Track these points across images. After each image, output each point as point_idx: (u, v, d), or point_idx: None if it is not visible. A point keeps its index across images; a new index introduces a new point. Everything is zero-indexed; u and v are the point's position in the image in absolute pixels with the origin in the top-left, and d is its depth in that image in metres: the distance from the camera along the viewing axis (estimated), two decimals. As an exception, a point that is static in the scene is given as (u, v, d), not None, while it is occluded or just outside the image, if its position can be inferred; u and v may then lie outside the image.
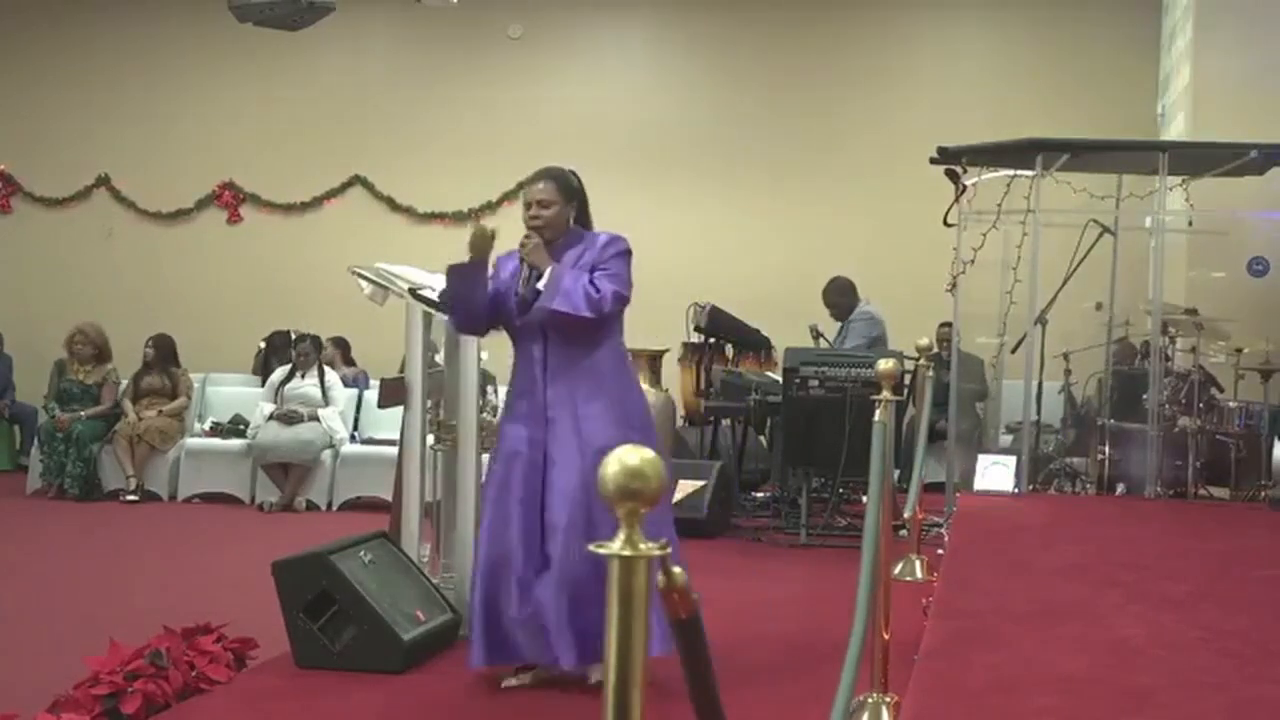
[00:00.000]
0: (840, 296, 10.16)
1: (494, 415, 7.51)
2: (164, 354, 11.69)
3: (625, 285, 5.02)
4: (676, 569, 2.07)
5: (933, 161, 9.23)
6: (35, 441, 11.62)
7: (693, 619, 2.10)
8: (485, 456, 6.03)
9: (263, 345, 12.34)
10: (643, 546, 2.05)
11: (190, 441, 11.39)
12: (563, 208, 5.12)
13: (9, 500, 11.20)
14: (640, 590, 1.99)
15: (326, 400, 11.25)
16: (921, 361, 7.24)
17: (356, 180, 13.26)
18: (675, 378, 11.03)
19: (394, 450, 8.87)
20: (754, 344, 10.56)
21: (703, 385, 10.17)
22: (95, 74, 13.53)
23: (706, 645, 2.15)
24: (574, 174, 5.23)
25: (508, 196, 12.90)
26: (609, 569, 2.02)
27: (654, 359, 10.79)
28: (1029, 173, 9.00)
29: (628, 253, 5.09)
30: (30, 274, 13.55)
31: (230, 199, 13.47)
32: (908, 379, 8.33)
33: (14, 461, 12.67)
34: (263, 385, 11.51)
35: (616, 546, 2.02)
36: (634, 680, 1.95)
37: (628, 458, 2.08)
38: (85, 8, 13.50)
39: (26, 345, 12.90)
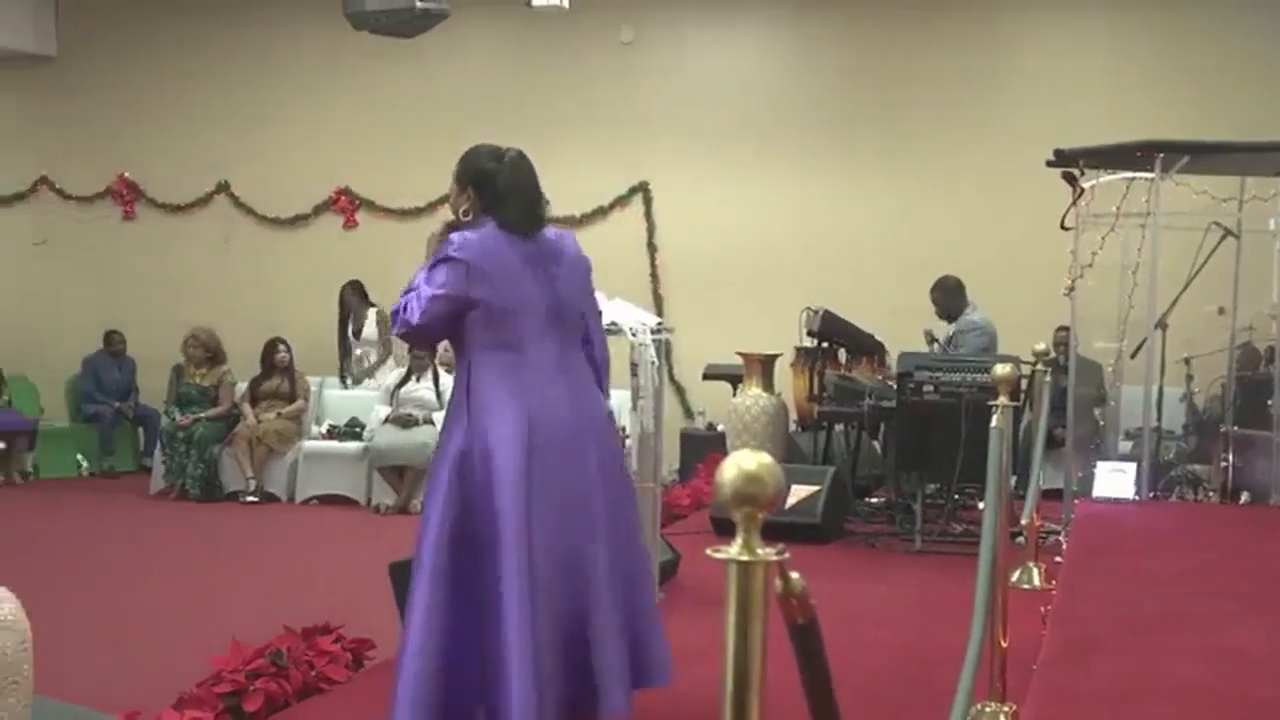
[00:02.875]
0: (947, 297, 10.07)
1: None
2: (280, 358, 11.89)
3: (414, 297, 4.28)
4: (794, 574, 2.07)
5: (1050, 164, 9.11)
6: (158, 443, 11.87)
7: (810, 624, 2.09)
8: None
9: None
10: (760, 552, 2.04)
11: (308, 444, 11.56)
12: (457, 195, 4.51)
13: (133, 500, 11.44)
14: (758, 595, 1.98)
15: (441, 404, 11.36)
16: (1038, 366, 7.15)
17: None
18: (788, 382, 10.99)
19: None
20: (867, 348, 10.50)
21: (815, 390, 10.12)
22: (216, 83, 13.78)
23: (824, 651, 2.14)
24: (483, 150, 4.58)
25: (620, 200, 12.94)
26: (727, 574, 2.02)
27: (766, 364, 10.76)
28: (1148, 175, 8.85)
29: (445, 258, 4.28)
30: (152, 279, 13.83)
31: (345, 204, 13.65)
32: (1024, 384, 8.23)
33: (138, 463, 12.94)
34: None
35: (734, 551, 2.02)
36: (752, 687, 1.95)
37: (744, 462, 2.07)
38: (205, 20, 13.75)
39: (149, 349, 13.16)
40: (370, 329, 12.63)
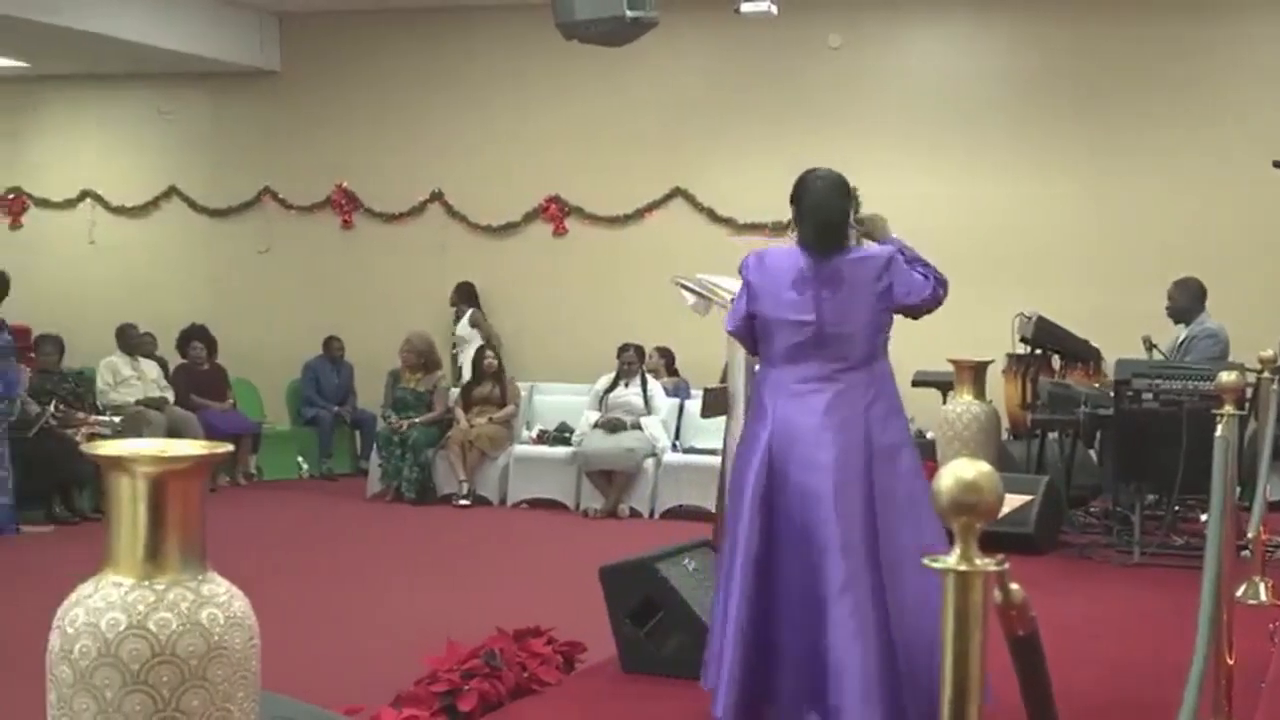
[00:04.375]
0: (1187, 298, 9.76)
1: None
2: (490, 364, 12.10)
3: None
4: (1014, 585, 2.03)
5: (1276, 164, 8.81)
6: (374, 447, 12.18)
7: (1031, 636, 2.06)
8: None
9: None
10: (979, 562, 2.01)
11: (519, 448, 11.74)
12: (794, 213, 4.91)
13: (351, 502, 11.75)
14: (977, 606, 1.95)
15: (649, 409, 11.46)
16: (1265, 374, 6.91)
17: (677, 192, 13.42)
18: (1000, 389, 10.79)
19: (716, 460, 8.94)
20: (1082, 355, 10.26)
21: (1029, 397, 9.93)
22: (429, 95, 14.07)
23: (1045, 664, 2.10)
24: (806, 173, 4.90)
25: (828, 206, 12.85)
26: (944, 584, 1.99)
27: (978, 370, 10.58)
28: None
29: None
30: (369, 286, 14.18)
31: (556, 212, 13.81)
32: (1249, 392, 7.95)
33: (355, 465, 13.28)
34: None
35: (952, 561, 1.99)
36: (971, 698, 1.92)
37: (962, 471, 2.04)
38: (419, 34, 14.05)
39: (366, 354, 13.50)
40: (464, 327, 13.29)
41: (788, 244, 4.81)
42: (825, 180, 4.75)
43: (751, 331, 4.77)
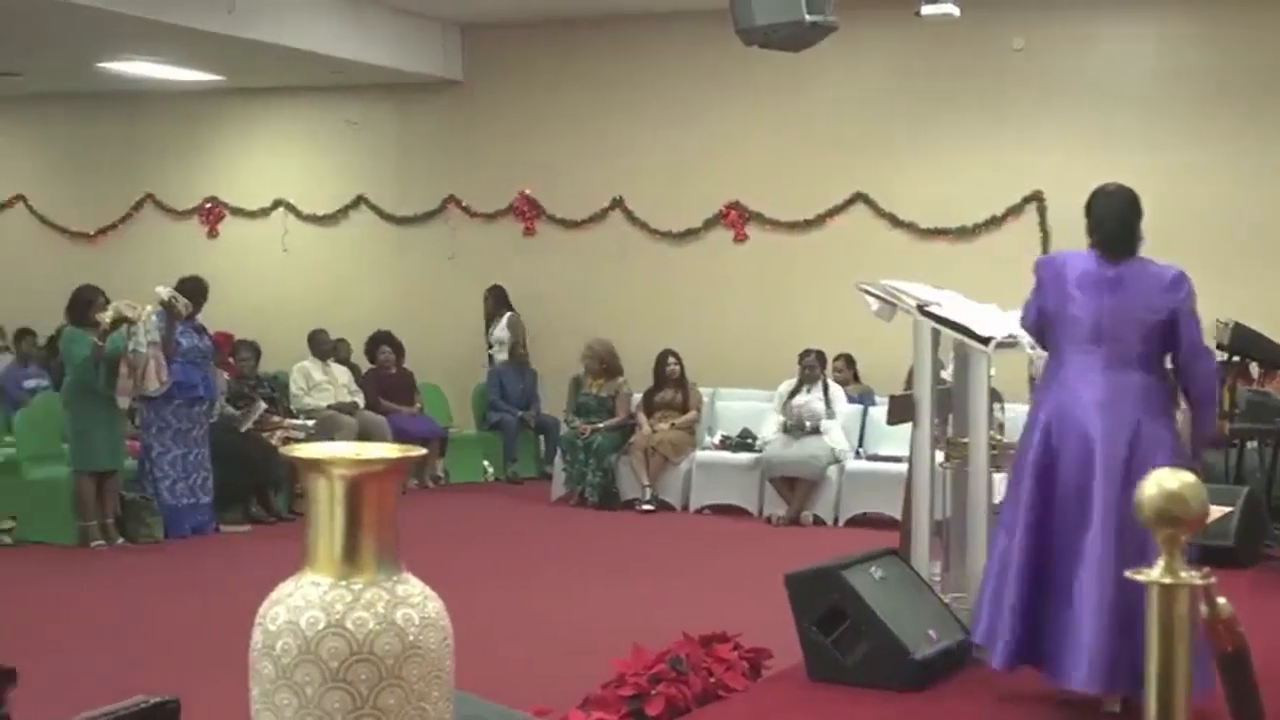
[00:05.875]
0: None
1: (1001, 433, 7.38)
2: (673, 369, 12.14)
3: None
4: (1221, 600, 1.98)
5: None
6: (558, 451, 12.31)
7: (1240, 652, 2.00)
8: (998, 475, 5.94)
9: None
10: (1184, 574, 1.97)
11: (701, 454, 11.76)
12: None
13: (535, 506, 11.89)
14: (1182, 619, 1.91)
15: (831, 413, 11.39)
16: None
17: (859, 197, 13.32)
18: (1193, 396, 10.49)
19: (900, 467, 8.88)
20: (1280, 361, 9.93)
21: (1227, 406, 9.64)
22: (610, 101, 14.16)
23: (1255, 681, 2.04)
24: (1098, 186, 5.39)
25: (1012, 210, 12.65)
26: (1148, 597, 1.95)
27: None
28: None
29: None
30: (551, 292, 14.31)
31: (736, 218, 13.80)
32: None
33: (539, 470, 13.43)
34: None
35: (1156, 574, 1.95)
36: (1177, 714, 1.88)
37: (1166, 481, 2.00)
38: (600, 42, 14.16)
39: (549, 360, 13.64)
40: (501, 330, 13.57)
41: (1082, 249, 5.25)
42: (1117, 193, 5.25)
43: (1039, 326, 5.30)
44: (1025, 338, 6.06)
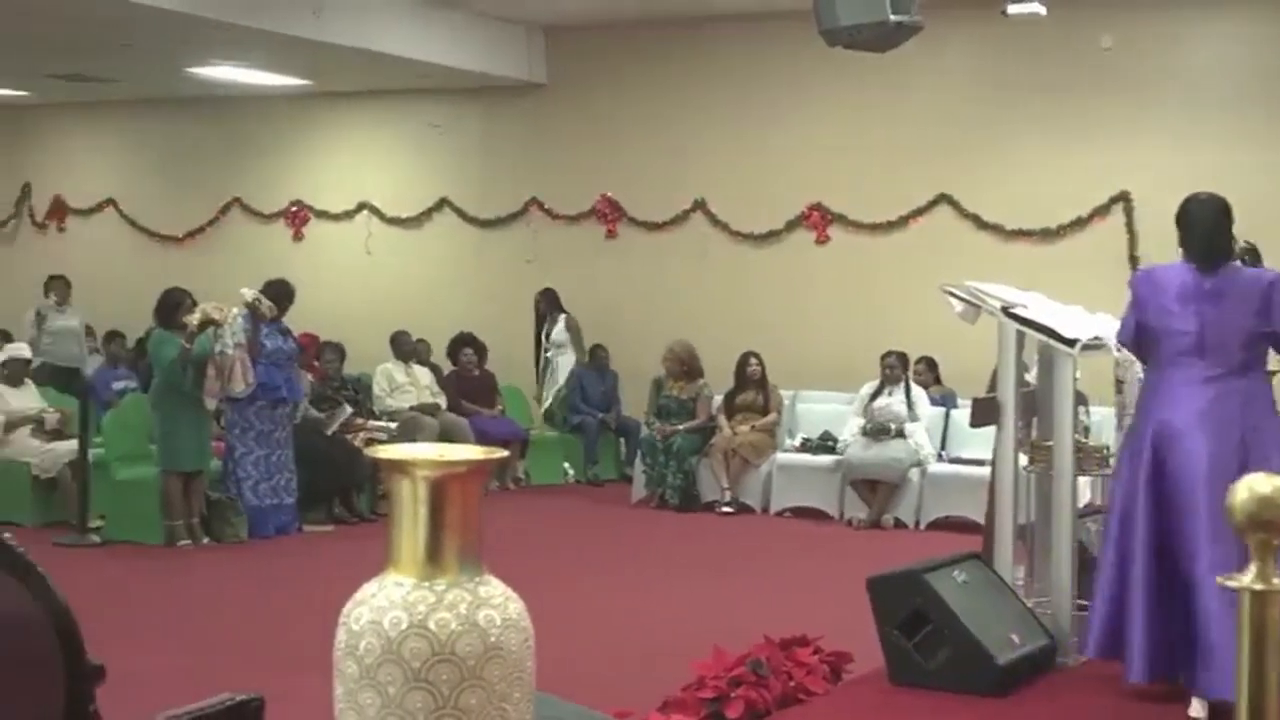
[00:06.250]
0: None
1: (1086, 436, 7.30)
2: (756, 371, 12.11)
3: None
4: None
5: None
6: (638, 453, 12.32)
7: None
8: (1082, 479, 5.88)
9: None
10: (1276, 580, 1.94)
11: (781, 456, 11.72)
12: None
13: (616, 508, 11.90)
14: (1274, 627, 1.88)
15: (913, 416, 11.31)
16: None
17: (942, 198, 13.22)
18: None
19: (983, 470, 8.80)
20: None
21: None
22: (692, 102, 14.15)
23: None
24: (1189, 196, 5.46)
25: (1099, 211, 12.50)
26: (1240, 603, 1.92)
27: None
28: None
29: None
30: (632, 294, 14.32)
31: (818, 219, 13.74)
32: None
33: (620, 471, 13.44)
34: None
35: (1248, 580, 1.93)
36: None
37: (1258, 485, 1.97)
38: (681, 42, 14.15)
39: (629, 362, 13.64)
40: (559, 333, 13.62)
41: (1176, 261, 5.33)
42: (1209, 202, 5.29)
43: (1139, 341, 5.38)
44: (1111, 339, 6.00)
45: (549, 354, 13.76)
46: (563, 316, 13.74)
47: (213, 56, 13.34)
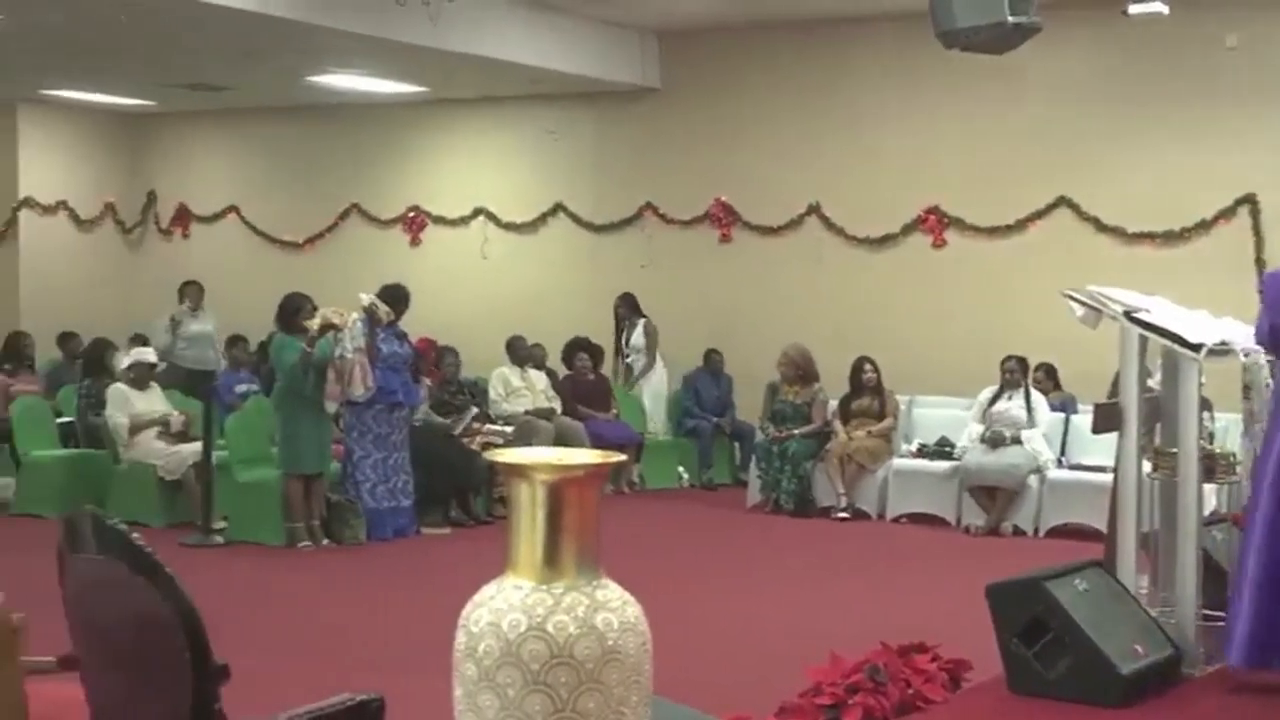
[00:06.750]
0: None
1: (1211, 442, 7.15)
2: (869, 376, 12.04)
3: None
4: None
5: None
6: (753, 458, 12.29)
7: None
8: (1207, 487, 5.78)
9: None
10: None
11: (898, 462, 11.63)
12: None
13: (730, 512, 11.88)
14: None
15: (1033, 422, 11.16)
16: None
17: (1062, 201, 13.04)
18: None
19: (1104, 477, 8.64)
20: None
21: None
22: (806, 106, 14.10)
23: None
24: None
25: (1223, 214, 12.26)
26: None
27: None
28: None
29: None
30: (747, 299, 14.30)
31: (935, 223, 13.62)
32: None
33: (734, 476, 13.42)
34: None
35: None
36: None
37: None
38: (794, 45, 14.09)
39: (744, 366, 13.62)
40: (638, 337, 13.69)
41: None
42: None
43: (1276, 341, 5.47)
44: (1239, 344, 5.88)
45: (628, 359, 13.87)
46: (641, 321, 13.79)
47: (332, 65, 13.55)
